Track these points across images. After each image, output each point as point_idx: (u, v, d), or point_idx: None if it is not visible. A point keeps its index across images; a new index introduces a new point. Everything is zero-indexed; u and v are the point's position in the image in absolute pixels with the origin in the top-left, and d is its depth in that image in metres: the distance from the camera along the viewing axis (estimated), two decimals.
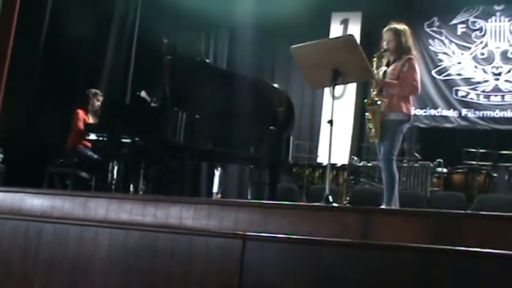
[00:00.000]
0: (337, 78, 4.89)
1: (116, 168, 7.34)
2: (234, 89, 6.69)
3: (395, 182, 5.37)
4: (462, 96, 10.82)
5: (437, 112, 10.91)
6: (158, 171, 8.01)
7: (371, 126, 5.50)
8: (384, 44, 5.63)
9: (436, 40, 11.19)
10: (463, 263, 2.92)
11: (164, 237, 3.71)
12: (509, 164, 8.88)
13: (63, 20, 8.70)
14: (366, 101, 5.61)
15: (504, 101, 10.52)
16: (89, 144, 7.54)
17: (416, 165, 8.92)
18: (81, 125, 7.48)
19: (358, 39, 5.05)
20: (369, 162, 9.29)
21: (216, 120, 6.55)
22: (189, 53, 6.92)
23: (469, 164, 8.78)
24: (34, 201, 4.58)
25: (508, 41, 10.71)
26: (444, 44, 11.14)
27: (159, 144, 6.38)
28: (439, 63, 11.09)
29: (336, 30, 11.58)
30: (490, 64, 10.76)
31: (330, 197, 4.62)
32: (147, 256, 3.74)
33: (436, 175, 8.84)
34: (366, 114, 5.62)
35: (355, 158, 9.56)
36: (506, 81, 10.57)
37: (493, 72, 10.72)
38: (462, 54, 10.98)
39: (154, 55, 7.28)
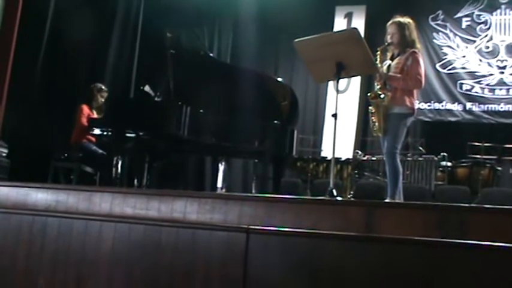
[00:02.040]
0: (341, 71, 4.89)
1: (120, 162, 7.34)
2: (237, 83, 6.68)
3: (399, 176, 5.37)
4: (467, 90, 10.79)
5: (442, 106, 10.88)
6: (162, 166, 8.01)
7: (374, 120, 5.51)
8: (388, 38, 5.63)
9: (440, 33, 11.16)
10: (467, 256, 2.92)
11: (168, 231, 3.72)
12: None
13: (66, 15, 8.70)
14: (369, 94, 5.61)
15: (509, 95, 10.48)
16: (93, 139, 7.55)
17: (420, 159, 8.91)
18: (85, 120, 7.47)
19: (362, 33, 5.03)
20: (373, 156, 9.29)
21: (220, 114, 6.55)
22: (192, 47, 6.91)
23: (473, 158, 8.78)
24: (38, 196, 4.60)
25: None
26: (448, 37, 11.10)
27: (163, 138, 6.38)
28: (444, 57, 11.06)
29: (339, 23, 11.55)
30: (495, 57, 10.72)
31: (334, 191, 4.62)
32: (151, 250, 3.75)
33: (441, 169, 8.84)
34: (370, 108, 5.62)
35: (359, 152, 9.55)
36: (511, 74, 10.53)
37: (498, 66, 10.68)
38: (467, 47, 10.94)
39: (158, 49, 7.28)
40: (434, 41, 11.15)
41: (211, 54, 7.85)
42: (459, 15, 11.10)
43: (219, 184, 9.99)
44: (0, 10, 6.30)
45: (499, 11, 10.82)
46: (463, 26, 11.05)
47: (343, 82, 10.31)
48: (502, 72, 10.59)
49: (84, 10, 8.76)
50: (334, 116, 4.90)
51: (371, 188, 8.06)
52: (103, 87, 7.96)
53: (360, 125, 11.13)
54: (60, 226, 4.14)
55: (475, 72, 10.80)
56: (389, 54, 5.69)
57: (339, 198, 4.68)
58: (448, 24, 11.13)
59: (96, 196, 4.40)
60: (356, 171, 9.21)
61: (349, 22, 11.55)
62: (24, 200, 4.63)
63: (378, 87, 5.51)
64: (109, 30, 9.65)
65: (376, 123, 5.50)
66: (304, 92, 11.50)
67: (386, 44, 5.63)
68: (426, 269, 2.96)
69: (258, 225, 3.54)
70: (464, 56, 10.93)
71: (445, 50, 11.08)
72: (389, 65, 5.59)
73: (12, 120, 7.36)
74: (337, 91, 5.12)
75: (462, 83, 10.83)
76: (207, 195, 4.40)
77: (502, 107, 10.48)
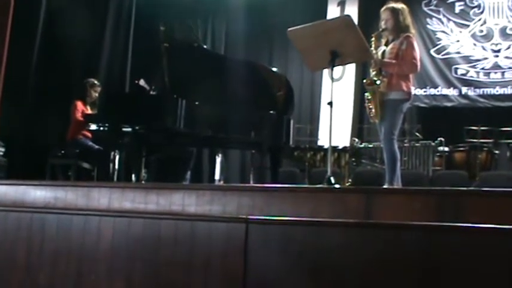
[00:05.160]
0: (335, 59, 4.87)
1: (117, 157, 7.34)
2: (232, 74, 6.68)
3: (396, 161, 5.37)
4: (462, 75, 10.78)
5: (437, 91, 10.87)
6: (159, 159, 8.01)
7: (371, 107, 5.51)
8: (382, 24, 5.62)
9: (434, 19, 11.13)
10: (466, 239, 2.92)
11: (167, 224, 3.71)
12: (510, 141, 8.88)
13: (59, 11, 8.68)
14: (365, 81, 5.61)
15: (504, 78, 10.48)
16: (89, 135, 7.54)
17: (417, 144, 8.91)
18: (80, 116, 7.48)
19: (355, 20, 5.02)
20: (370, 144, 9.29)
21: (216, 106, 6.55)
22: (186, 39, 6.90)
23: (470, 142, 8.78)
24: (37, 193, 4.60)
25: (507, 17, 10.64)
26: (442, 22, 11.08)
27: (160, 132, 6.38)
28: (438, 42, 11.04)
29: (333, 12, 11.51)
30: (489, 41, 10.70)
31: (332, 179, 4.61)
32: (150, 244, 3.74)
33: (438, 154, 8.84)
34: (366, 94, 5.61)
35: (356, 140, 9.55)
36: (506, 57, 10.51)
37: (492, 49, 10.66)
38: (461, 32, 10.92)
39: (152, 43, 7.27)
40: (428, 26, 11.13)
41: (205, 46, 7.84)
42: None
43: (217, 176, 9.99)
44: None
45: None
46: (457, 11, 11.03)
47: (338, 70, 10.32)
48: (497, 56, 10.59)
49: (77, 5, 8.74)
50: (330, 104, 4.89)
51: (369, 175, 8.08)
52: (96, 82, 7.94)
53: (356, 112, 11.12)
54: (59, 222, 4.13)
55: (470, 56, 10.78)
56: (383, 40, 5.69)
57: (337, 186, 4.67)
58: (441, 9, 11.11)
59: (95, 191, 4.42)
60: (353, 159, 9.22)
61: (342, 10, 11.50)
62: (22, 197, 4.63)
63: (374, 73, 5.51)
64: (102, 25, 9.64)
65: (373, 110, 5.50)
66: (299, 81, 11.49)
67: (380, 30, 5.62)
68: (426, 254, 2.97)
69: (257, 216, 3.54)
70: (458, 41, 10.91)
71: (439, 35, 11.06)
72: (384, 51, 5.59)
73: (8, 119, 7.35)
74: (332, 79, 5.12)
75: (457, 68, 10.82)
76: (205, 187, 4.41)
77: (497, 91, 10.47)
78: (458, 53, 10.87)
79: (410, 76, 5.56)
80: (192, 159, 7.99)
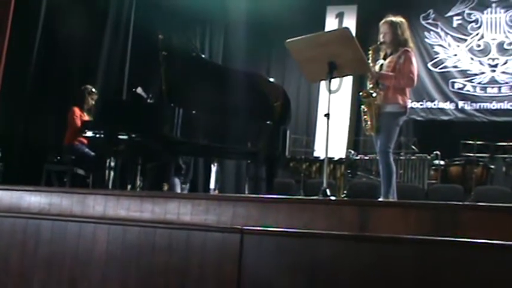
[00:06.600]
0: (333, 71, 4.88)
1: (113, 164, 7.33)
2: (230, 84, 6.68)
3: (392, 174, 5.36)
4: (459, 89, 10.81)
5: (434, 105, 10.91)
6: (155, 168, 8.01)
7: (367, 119, 5.51)
8: (381, 37, 5.63)
9: (431, 32, 11.18)
10: (460, 254, 2.92)
11: (162, 233, 3.71)
12: (506, 156, 8.88)
13: (58, 17, 8.68)
14: (361, 93, 5.61)
15: (501, 93, 10.52)
16: (85, 141, 7.53)
17: (413, 157, 8.91)
18: (77, 122, 7.47)
19: (353, 32, 5.02)
20: (366, 156, 9.29)
21: (213, 116, 6.54)
22: (184, 48, 6.91)
23: (466, 156, 8.78)
24: (32, 199, 4.59)
25: (504, 33, 10.70)
26: (440, 36, 11.13)
27: (156, 140, 6.38)
28: (435, 56, 11.08)
29: (331, 23, 11.55)
30: (486, 56, 10.75)
31: (328, 191, 4.61)
32: (145, 252, 3.74)
33: (434, 167, 8.84)
34: (362, 107, 5.62)
35: (352, 152, 9.55)
36: (503, 72, 10.56)
37: (489, 64, 10.71)
38: (458, 46, 10.97)
39: (150, 51, 7.27)
40: (426, 40, 11.18)
41: (203, 56, 7.84)
42: (450, 14, 11.13)
43: (212, 185, 9.99)
44: None
45: (489, 9, 10.86)
46: (454, 25, 11.08)
47: (335, 82, 10.31)
48: (494, 71, 10.63)
49: (76, 12, 8.74)
50: (327, 115, 4.89)
51: (364, 188, 8.07)
52: (93, 89, 7.95)
53: (352, 124, 11.14)
54: (53, 229, 4.13)
55: (467, 70, 10.83)
56: (382, 54, 5.69)
57: (332, 197, 4.67)
58: (439, 23, 11.16)
59: (90, 199, 4.40)
60: (349, 171, 9.22)
61: (341, 22, 11.54)
62: (17, 203, 4.62)
63: (370, 86, 5.52)
64: (101, 32, 9.63)
65: (369, 122, 5.50)
66: (296, 92, 11.52)
67: (378, 43, 5.63)
68: (420, 268, 2.97)
69: (251, 226, 3.54)
70: (455, 55, 10.96)
71: (437, 48, 11.11)
72: (382, 64, 5.60)
73: (5, 124, 7.35)
74: (330, 91, 5.12)
75: (454, 82, 10.86)
76: (200, 197, 4.41)
77: (493, 105, 10.51)
78: (456, 67, 10.92)
79: (407, 90, 5.56)
80: (190, 170, 7.98)
